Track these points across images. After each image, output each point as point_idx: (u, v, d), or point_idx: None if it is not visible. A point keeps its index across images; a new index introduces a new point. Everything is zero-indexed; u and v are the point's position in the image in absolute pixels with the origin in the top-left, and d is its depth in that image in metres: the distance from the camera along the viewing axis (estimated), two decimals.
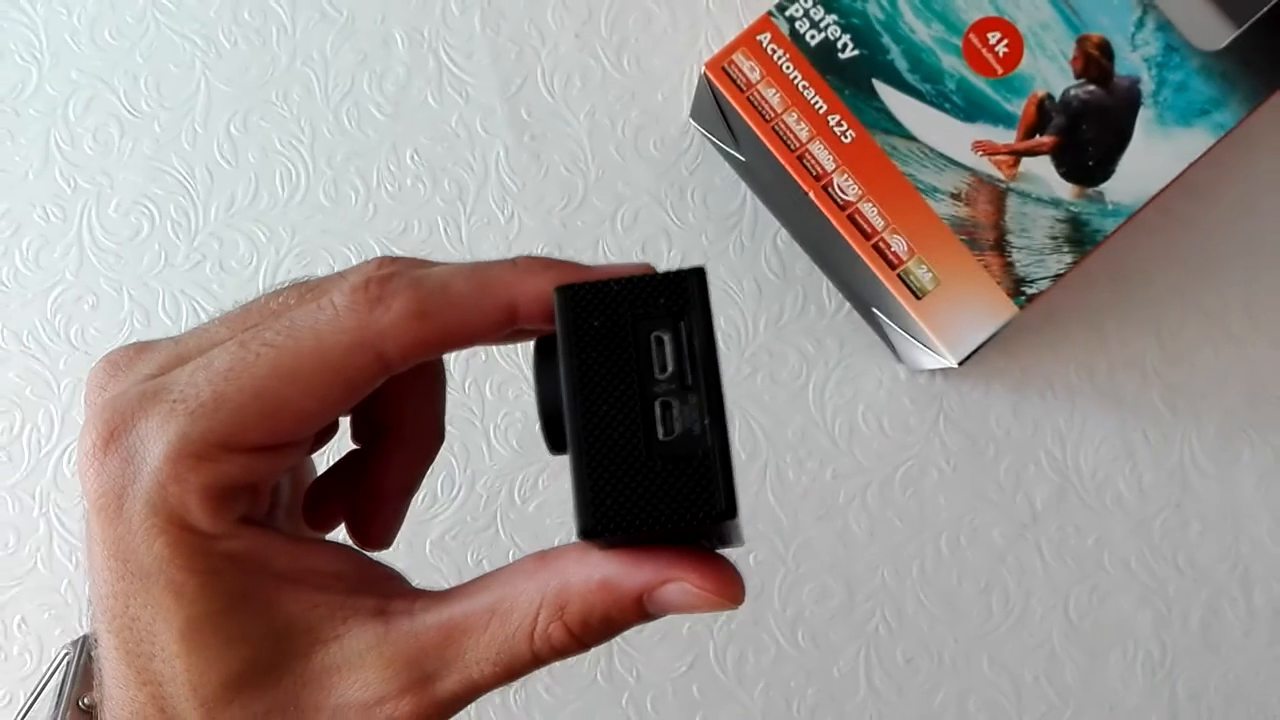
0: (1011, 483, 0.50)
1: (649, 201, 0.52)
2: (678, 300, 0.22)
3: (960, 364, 0.45)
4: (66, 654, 0.25)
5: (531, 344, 0.24)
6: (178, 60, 0.52)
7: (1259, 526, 0.50)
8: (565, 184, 0.52)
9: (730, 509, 0.21)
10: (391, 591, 0.24)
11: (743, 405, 0.51)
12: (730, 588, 0.23)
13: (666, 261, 0.51)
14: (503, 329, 0.24)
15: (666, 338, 0.22)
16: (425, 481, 0.51)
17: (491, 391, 0.50)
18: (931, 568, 0.50)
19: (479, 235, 0.51)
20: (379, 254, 0.52)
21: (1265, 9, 0.45)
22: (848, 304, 0.51)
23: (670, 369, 0.22)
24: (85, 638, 0.25)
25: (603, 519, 0.21)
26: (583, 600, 0.23)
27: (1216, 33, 0.46)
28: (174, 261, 0.51)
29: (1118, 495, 0.51)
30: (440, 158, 0.52)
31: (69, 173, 0.52)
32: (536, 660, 0.23)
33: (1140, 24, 0.46)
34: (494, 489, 0.50)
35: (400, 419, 0.28)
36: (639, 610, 0.23)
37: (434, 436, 0.29)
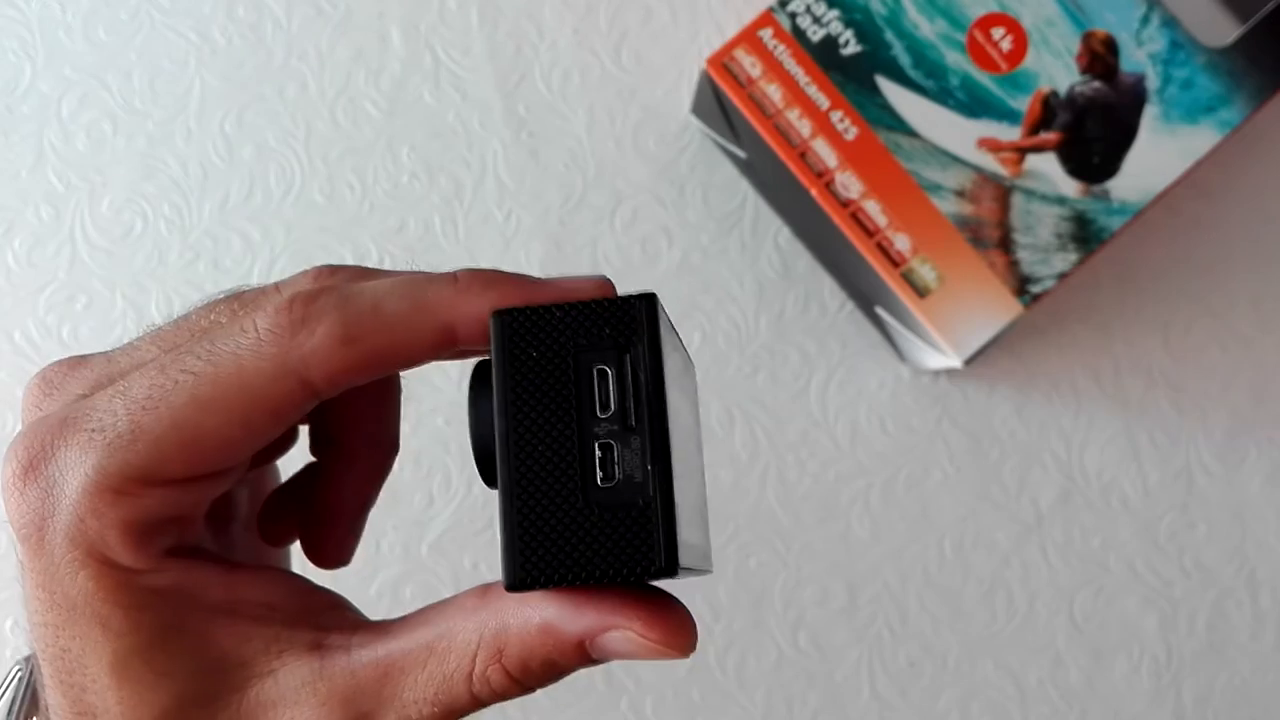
0: (1016, 484, 0.50)
1: (648, 199, 0.51)
2: (623, 330, 0.21)
3: (965, 364, 0.45)
4: (19, 671, 0.25)
5: None
6: (172, 57, 0.52)
7: (1266, 528, 0.50)
8: (563, 181, 0.51)
9: (670, 566, 0.20)
10: (330, 624, 0.23)
11: (743, 405, 0.50)
12: (678, 637, 0.21)
13: (665, 260, 0.51)
14: (440, 351, 0.22)
15: (610, 372, 0.21)
16: (422, 483, 0.51)
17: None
18: (935, 570, 0.50)
19: (476, 233, 0.51)
20: (374, 252, 0.52)
21: (1271, 6, 0.45)
22: (850, 303, 0.51)
23: (613, 407, 0.20)
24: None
25: (531, 572, 0.20)
26: (522, 644, 0.22)
27: (1222, 29, 0.45)
28: (167, 260, 0.51)
29: (1123, 497, 0.50)
30: (437, 155, 0.51)
31: (61, 170, 0.51)
32: (476, 702, 0.22)
33: (1145, 20, 0.45)
34: (490, 491, 0.49)
35: (351, 433, 0.27)
36: (581, 655, 0.22)
37: (387, 451, 0.28)
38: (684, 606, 0.22)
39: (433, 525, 0.49)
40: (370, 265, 0.53)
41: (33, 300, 0.50)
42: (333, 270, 0.24)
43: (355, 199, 0.51)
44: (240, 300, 0.23)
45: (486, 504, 0.49)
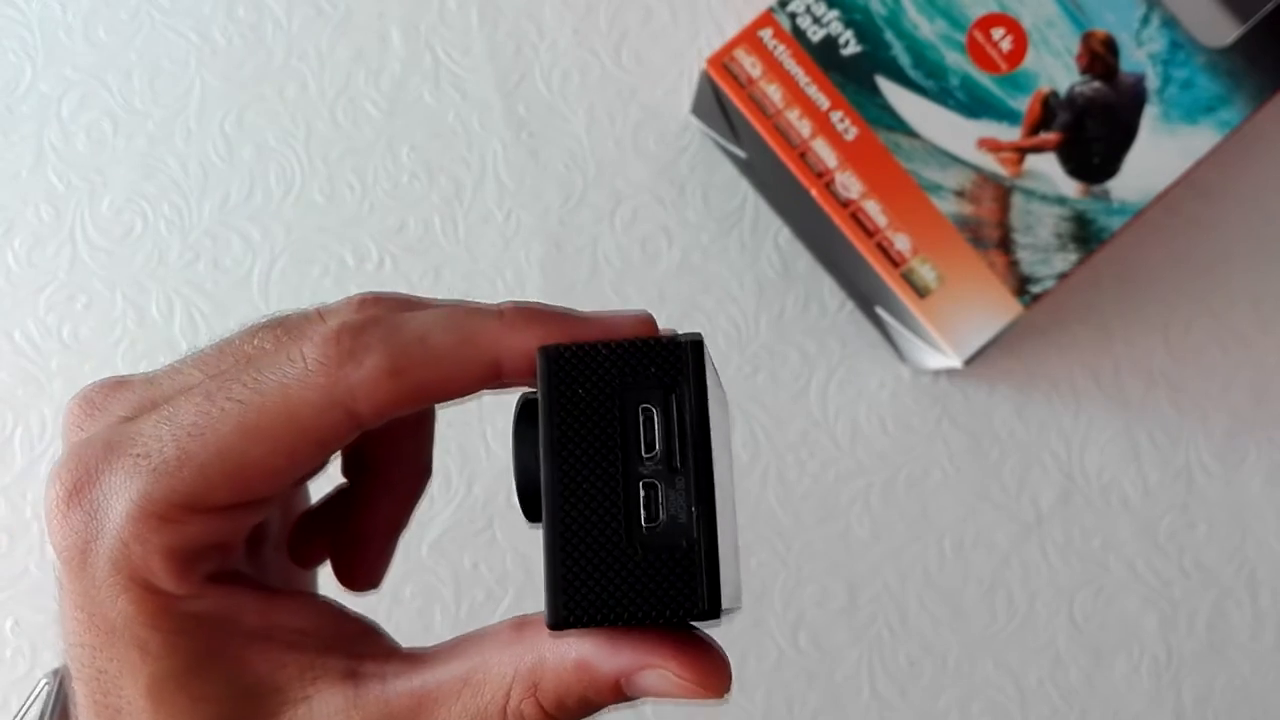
0: (1016, 484, 0.50)
1: (649, 199, 0.51)
2: (670, 370, 0.21)
3: (965, 364, 0.45)
4: (46, 684, 0.25)
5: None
6: (172, 57, 0.52)
7: (1266, 528, 0.50)
8: (563, 181, 0.51)
9: (713, 609, 0.20)
10: (364, 651, 0.23)
11: (744, 405, 0.50)
12: (714, 678, 0.21)
13: (665, 260, 0.51)
14: (485, 385, 0.23)
15: (656, 412, 0.21)
16: None
17: (489, 392, 0.50)
18: (935, 570, 0.50)
19: (476, 233, 0.51)
20: (375, 252, 0.52)
21: (1271, 6, 0.45)
22: (850, 303, 0.51)
23: (658, 447, 0.21)
24: (65, 667, 0.25)
25: (574, 611, 0.20)
26: (557, 679, 0.22)
27: (1222, 29, 0.45)
28: (167, 260, 0.51)
29: (1123, 496, 0.50)
30: (437, 155, 0.51)
31: (62, 170, 0.51)
32: None
33: (1145, 21, 0.45)
34: (491, 491, 0.49)
35: (386, 460, 0.27)
36: (616, 693, 0.22)
37: (420, 476, 0.28)
38: (719, 647, 0.22)
39: (433, 525, 0.49)
40: (370, 266, 0.53)
41: (33, 300, 0.50)
42: (376, 299, 0.24)
43: (355, 199, 0.51)
44: (285, 327, 0.23)
45: (486, 504, 0.49)
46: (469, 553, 0.49)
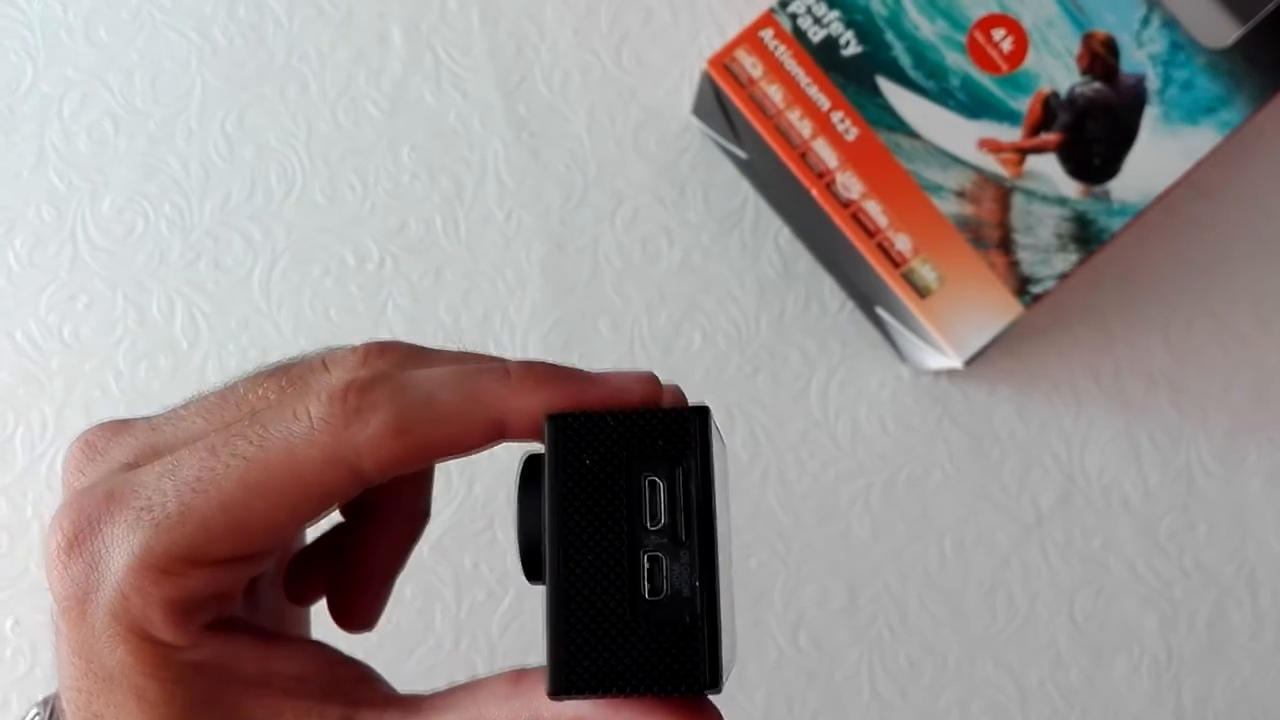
0: (1016, 484, 0.50)
1: (649, 200, 0.51)
2: (676, 443, 0.21)
3: (966, 364, 0.45)
4: (37, 715, 0.25)
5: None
6: (173, 56, 0.52)
7: (1266, 528, 0.50)
8: (564, 181, 0.51)
9: (714, 684, 0.20)
10: (360, 698, 0.23)
11: (744, 405, 0.50)
12: None
13: (666, 260, 0.51)
14: (490, 444, 0.23)
15: (661, 484, 0.21)
16: None
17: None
18: (935, 570, 0.50)
19: (477, 233, 0.51)
20: (375, 252, 0.52)
21: (1271, 6, 0.45)
22: (851, 303, 0.51)
23: (663, 519, 0.21)
24: (56, 696, 0.25)
25: (575, 680, 0.20)
26: None
27: (1222, 30, 0.45)
28: (168, 260, 0.51)
29: (1124, 497, 0.50)
30: (438, 155, 0.51)
31: (63, 170, 0.51)
32: None
33: (1146, 21, 0.45)
34: (492, 491, 0.49)
35: (385, 504, 0.27)
36: None
37: (419, 520, 0.28)
38: (714, 706, 0.22)
39: (433, 525, 0.49)
40: (371, 266, 0.53)
41: (34, 300, 0.50)
42: (382, 350, 0.24)
43: (356, 199, 0.51)
44: (289, 377, 0.23)
45: (487, 504, 0.49)
46: (469, 552, 0.49)
